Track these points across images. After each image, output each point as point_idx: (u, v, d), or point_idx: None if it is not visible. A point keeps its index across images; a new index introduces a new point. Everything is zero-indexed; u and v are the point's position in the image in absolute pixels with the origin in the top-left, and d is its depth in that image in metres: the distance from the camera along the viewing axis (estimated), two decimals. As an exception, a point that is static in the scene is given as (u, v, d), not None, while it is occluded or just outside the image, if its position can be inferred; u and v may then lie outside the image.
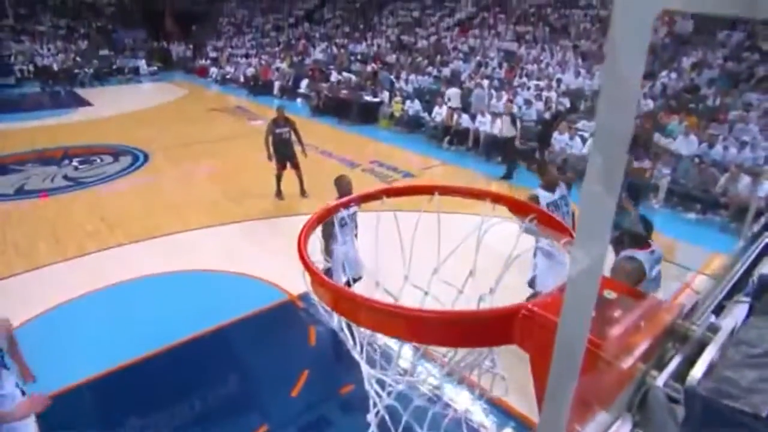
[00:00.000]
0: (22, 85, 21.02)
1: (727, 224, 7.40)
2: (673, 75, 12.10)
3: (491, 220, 1.44)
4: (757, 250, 1.32)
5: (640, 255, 3.35)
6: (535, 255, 3.98)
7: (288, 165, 8.14)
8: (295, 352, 4.69)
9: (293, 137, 8.06)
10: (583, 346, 0.63)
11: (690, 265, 5.82)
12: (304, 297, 5.31)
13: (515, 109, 11.77)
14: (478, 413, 3.71)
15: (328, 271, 3.63)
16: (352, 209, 3.94)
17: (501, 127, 10.02)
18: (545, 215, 1.34)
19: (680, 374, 0.77)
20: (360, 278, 4.08)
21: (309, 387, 4.18)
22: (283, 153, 7.98)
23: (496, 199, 1.47)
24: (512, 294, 1.36)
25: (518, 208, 1.42)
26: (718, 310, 1.02)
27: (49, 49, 23.64)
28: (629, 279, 2.63)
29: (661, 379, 0.76)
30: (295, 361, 4.49)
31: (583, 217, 0.58)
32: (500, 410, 3.75)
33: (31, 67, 22.31)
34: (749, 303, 0.95)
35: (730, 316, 0.95)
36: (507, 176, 9.51)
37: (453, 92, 12.84)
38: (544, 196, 4.74)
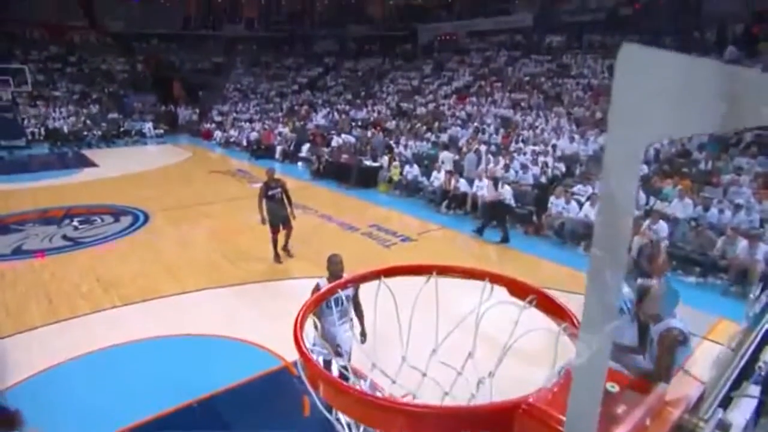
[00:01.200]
0: (32, 147, 21.58)
1: (728, 288, 7.34)
2: (665, 140, 12.46)
3: (490, 301, 1.42)
4: (762, 332, 1.29)
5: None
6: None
7: (281, 227, 8.16)
8: (288, 423, 4.48)
9: (285, 198, 8.11)
10: None
11: (694, 330, 5.68)
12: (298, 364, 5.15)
13: (512, 174, 12.05)
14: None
15: (328, 363, 3.54)
16: (348, 291, 3.89)
17: (485, 191, 10.22)
18: (545, 297, 1.32)
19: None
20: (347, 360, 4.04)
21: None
22: (276, 215, 8.03)
23: (496, 279, 1.46)
24: (511, 378, 1.32)
25: (518, 290, 1.40)
26: (726, 402, 0.98)
27: (61, 113, 24.49)
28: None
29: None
30: (288, 433, 4.29)
31: (588, 306, 0.57)
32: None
33: (42, 130, 23.01)
34: (759, 398, 0.91)
35: (738, 411, 0.91)
36: (504, 240, 9.59)
37: (446, 156, 13.20)
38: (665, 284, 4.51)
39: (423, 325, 1.63)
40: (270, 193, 7.96)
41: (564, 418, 0.82)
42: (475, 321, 1.42)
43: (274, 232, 8.13)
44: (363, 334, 4.29)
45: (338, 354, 4.09)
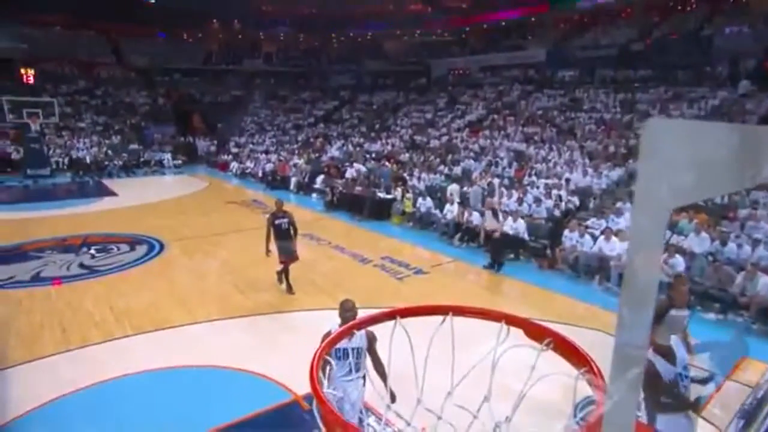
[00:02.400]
0: (55, 176, 22.20)
1: (749, 326, 7.10)
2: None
3: (506, 344, 1.38)
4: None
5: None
6: None
7: (287, 257, 8.14)
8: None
9: (291, 229, 8.15)
10: None
11: (716, 370, 5.50)
12: (308, 398, 5.06)
13: (525, 207, 12.01)
14: None
15: (340, 401, 3.47)
16: (357, 342, 3.69)
17: (459, 216, 10.20)
18: (561, 340, 1.28)
19: None
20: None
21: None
22: (285, 245, 8.06)
23: (511, 322, 1.42)
24: (528, 424, 1.26)
25: (534, 332, 1.36)
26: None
27: (84, 143, 25.28)
28: None
29: None
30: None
31: (617, 360, 0.55)
32: None
33: (66, 159, 23.74)
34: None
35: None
36: (491, 266, 9.60)
37: (454, 188, 13.28)
38: (681, 316, 4.44)
39: (438, 366, 1.59)
40: (277, 222, 8.03)
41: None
42: (491, 364, 1.38)
43: (282, 262, 8.14)
44: (392, 395, 3.49)
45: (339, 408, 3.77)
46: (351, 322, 1.46)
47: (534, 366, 1.28)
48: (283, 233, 8.06)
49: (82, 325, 6.89)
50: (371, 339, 3.77)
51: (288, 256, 8.13)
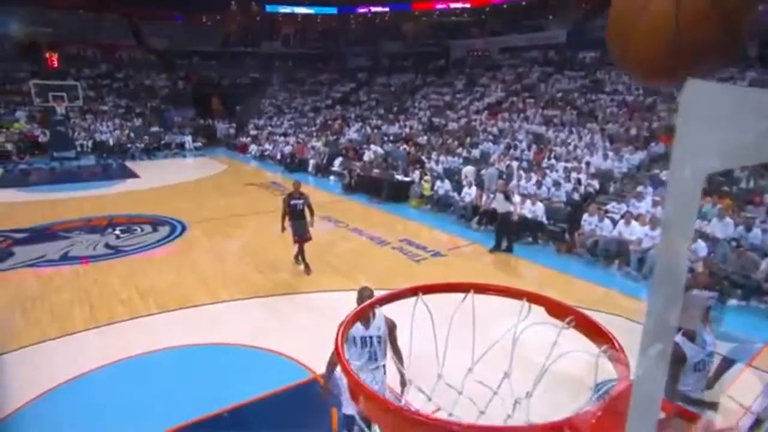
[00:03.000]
0: (80, 158, 22.71)
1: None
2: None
3: (528, 320, 1.40)
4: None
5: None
6: None
7: (301, 237, 8.35)
8: (316, 435, 4.48)
9: (307, 210, 8.32)
10: None
11: (736, 357, 5.43)
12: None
13: (544, 191, 11.88)
14: None
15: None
16: (376, 330, 3.59)
17: (477, 199, 10.24)
18: (584, 318, 1.30)
19: None
20: None
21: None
22: (299, 225, 8.25)
23: (534, 299, 1.44)
24: (548, 400, 1.29)
25: (556, 310, 1.38)
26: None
27: (107, 126, 25.73)
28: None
29: None
30: (316, 447, 4.28)
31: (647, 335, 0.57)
32: None
33: (90, 142, 24.23)
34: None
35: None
36: (508, 249, 9.67)
37: (469, 170, 13.18)
38: (701, 296, 4.43)
39: (459, 344, 1.62)
40: (292, 202, 8.21)
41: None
42: (512, 340, 1.41)
43: (296, 242, 8.34)
44: (402, 382, 3.20)
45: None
46: (374, 298, 1.49)
47: (555, 342, 1.31)
48: (297, 214, 8.22)
49: (109, 303, 7.12)
50: (391, 326, 3.64)
51: (301, 236, 8.31)
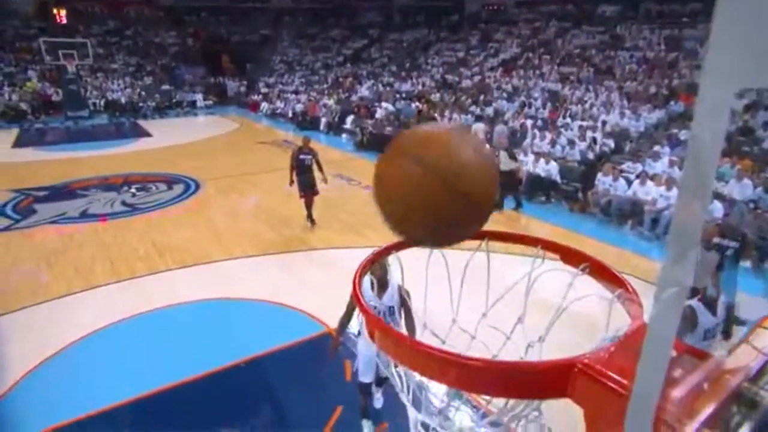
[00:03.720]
0: (93, 117, 22.78)
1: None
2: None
3: (542, 267, 1.43)
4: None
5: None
6: None
7: (308, 192, 8.50)
8: (330, 387, 4.64)
9: (316, 165, 8.46)
10: (656, 401, 0.62)
11: (749, 317, 5.46)
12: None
13: (558, 149, 11.70)
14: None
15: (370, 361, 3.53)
16: (389, 301, 3.49)
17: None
18: (597, 264, 1.32)
19: (750, 443, 0.74)
20: (385, 379, 3.75)
21: (342, 424, 4.11)
22: (305, 180, 8.36)
23: (549, 246, 1.46)
24: (560, 344, 1.33)
25: (571, 257, 1.40)
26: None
27: (118, 85, 25.61)
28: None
29: (729, 447, 0.73)
30: (330, 397, 4.44)
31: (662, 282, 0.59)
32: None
33: (102, 101, 24.23)
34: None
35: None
36: (517, 207, 9.69)
37: (479, 127, 12.96)
38: (709, 255, 4.39)
39: (473, 292, 1.65)
40: (301, 157, 8.30)
41: (621, 379, 0.84)
42: (527, 287, 1.44)
43: (302, 196, 8.48)
44: None
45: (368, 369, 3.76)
46: (392, 243, 1.51)
47: (571, 284, 1.33)
48: (305, 168, 8.32)
49: (128, 259, 7.32)
50: (404, 296, 3.39)
51: (308, 192, 8.44)
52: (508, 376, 0.96)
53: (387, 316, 3.48)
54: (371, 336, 1.19)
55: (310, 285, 6.48)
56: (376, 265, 3.40)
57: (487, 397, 1.45)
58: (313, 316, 5.68)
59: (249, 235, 8.32)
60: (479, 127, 12.94)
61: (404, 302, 3.45)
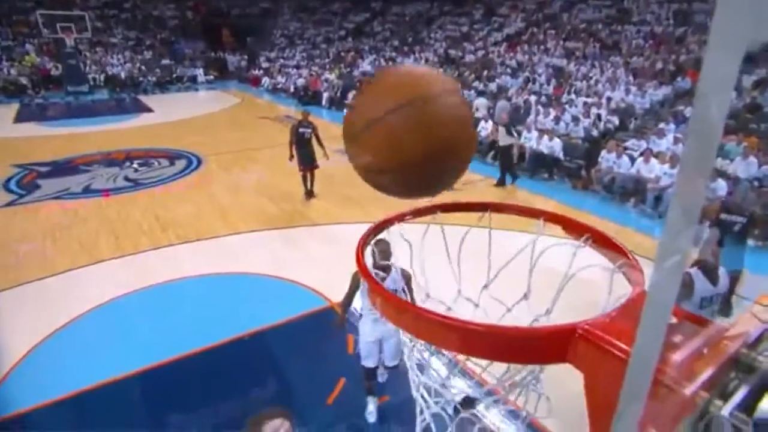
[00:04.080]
0: (94, 92, 22.60)
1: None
2: (733, 93, 11.53)
3: (545, 240, 1.44)
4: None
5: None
6: None
7: (308, 166, 8.62)
8: (333, 360, 4.70)
9: (315, 139, 8.57)
10: (654, 365, 0.64)
11: (751, 296, 5.49)
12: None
13: (562, 126, 11.60)
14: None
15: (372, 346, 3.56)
16: (392, 284, 3.23)
17: (493, 133, 10.56)
18: (601, 235, 1.33)
19: (747, 406, 0.75)
20: (395, 366, 3.84)
21: (345, 395, 4.19)
22: (305, 154, 8.45)
23: (551, 218, 1.47)
24: (564, 315, 1.35)
25: (573, 228, 1.41)
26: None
27: (118, 59, 25.31)
28: None
29: (726, 409, 0.75)
30: (333, 369, 4.50)
31: (663, 244, 0.60)
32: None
33: (102, 76, 23.98)
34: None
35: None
36: (501, 183, 9.85)
37: (481, 102, 12.82)
38: (711, 231, 4.35)
39: (474, 270, 1.67)
40: (300, 131, 8.37)
41: (621, 344, 0.86)
42: (531, 259, 1.45)
43: (301, 170, 8.60)
44: None
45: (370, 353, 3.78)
46: (396, 213, 1.51)
47: (575, 253, 1.34)
48: (304, 142, 8.39)
49: (132, 234, 7.36)
50: (408, 278, 3.25)
51: (307, 165, 8.53)
52: (511, 341, 0.98)
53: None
54: (374, 303, 1.21)
55: (314, 260, 6.52)
56: (378, 248, 3.24)
57: (481, 367, 1.47)
58: (316, 291, 5.73)
59: (252, 211, 8.34)
60: (482, 103, 12.81)
61: (408, 283, 3.29)
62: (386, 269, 3.44)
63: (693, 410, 0.76)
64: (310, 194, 8.76)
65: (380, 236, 1.55)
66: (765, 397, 0.76)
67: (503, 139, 9.78)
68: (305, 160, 8.47)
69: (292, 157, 8.44)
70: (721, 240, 4.97)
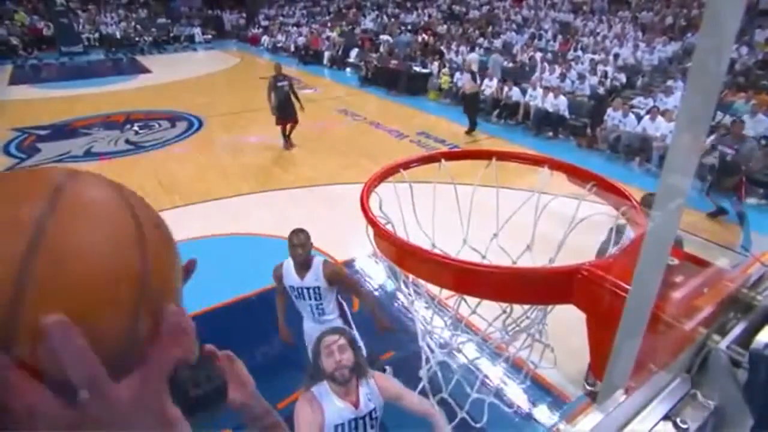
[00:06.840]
0: (89, 53, 22.10)
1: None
2: (744, 49, 11.21)
3: (548, 192, 1.44)
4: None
5: None
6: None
7: (287, 119, 8.88)
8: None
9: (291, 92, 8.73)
10: (651, 302, 0.65)
11: (753, 252, 5.51)
12: (349, 263, 5.46)
13: (568, 83, 11.36)
14: (513, 388, 3.68)
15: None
16: (312, 282, 3.23)
17: (463, 82, 10.75)
18: (605, 182, 1.33)
19: (744, 340, 0.77)
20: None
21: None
22: (282, 106, 8.64)
23: (555, 166, 1.46)
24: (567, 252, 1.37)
25: (578, 175, 1.41)
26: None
27: (112, 18, 24.62)
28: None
29: (723, 343, 0.77)
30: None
31: (664, 181, 0.60)
32: (536, 385, 3.76)
33: (96, 35, 23.38)
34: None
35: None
36: (471, 129, 10.24)
37: (473, 57, 12.48)
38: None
39: (479, 221, 1.68)
40: (278, 84, 8.52)
41: (622, 283, 0.87)
42: (535, 210, 1.45)
43: (280, 122, 8.88)
44: (383, 327, 3.38)
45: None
46: (400, 160, 1.50)
47: (580, 202, 1.35)
48: (282, 95, 8.56)
49: (136, 196, 7.37)
50: (332, 277, 3.22)
51: (284, 118, 8.81)
52: (517, 281, 1.00)
53: (314, 299, 3.29)
54: (380, 248, 1.22)
55: (317, 220, 6.53)
56: (294, 245, 3.25)
57: (482, 327, 1.50)
58: (320, 250, 5.78)
59: (254, 172, 8.33)
60: (473, 58, 12.45)
61: (338, 282, 3.32)
62: (306, 265, 3.29)
63: (691, 344, 0.78)
64: (289, 144, 9.05)
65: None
66: (762, 330, 0.77)
67: (468, 85, 10.07)
68: (286, 112, 8.67)
69: (273, 110, 8.68)
70: None
